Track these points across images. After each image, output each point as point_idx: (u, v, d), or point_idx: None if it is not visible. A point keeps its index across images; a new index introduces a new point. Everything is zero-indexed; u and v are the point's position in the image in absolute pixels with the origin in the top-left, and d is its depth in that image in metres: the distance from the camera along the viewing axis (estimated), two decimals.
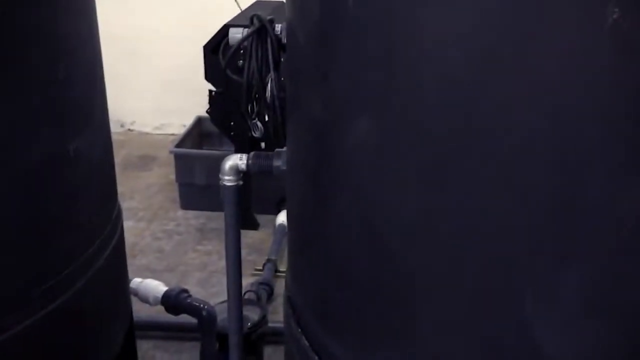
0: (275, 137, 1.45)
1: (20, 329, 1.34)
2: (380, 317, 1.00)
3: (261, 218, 3.49)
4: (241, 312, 1.69)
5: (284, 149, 1.37)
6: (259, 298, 2.51)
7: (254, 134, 1.90)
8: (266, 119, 1.49)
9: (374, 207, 0.96)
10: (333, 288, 1.11)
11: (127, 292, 1.99)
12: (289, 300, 1.37)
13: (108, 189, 1.77)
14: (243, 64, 1.49)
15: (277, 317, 2.43)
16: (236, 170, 1.43)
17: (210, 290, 2.89)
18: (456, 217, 0.85)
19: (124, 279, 1.92)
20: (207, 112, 3.21)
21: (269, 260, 2.96)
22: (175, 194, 3.77)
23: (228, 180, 1.43)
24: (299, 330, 1.26)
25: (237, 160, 1.42)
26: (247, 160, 1.42)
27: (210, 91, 3.17)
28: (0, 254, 1.30)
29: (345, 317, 1.09)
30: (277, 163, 1.39)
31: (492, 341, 0.86)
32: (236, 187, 1.46)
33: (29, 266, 1.37)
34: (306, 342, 1.22)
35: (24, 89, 1.31)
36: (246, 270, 2.76)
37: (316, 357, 1.18)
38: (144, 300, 2.23)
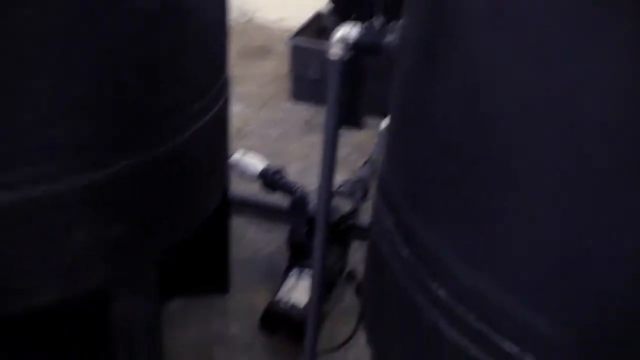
0: (393, 9, 1.36)
1: (122, 167, 1.41)
2: (474, 198, 0.94)
3: (369, 121, 3.44)
4: (331, 194, 1.68)
5: (398, 23, 1.29)
6: (352, 193, 2.50)
7: None
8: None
9: (486, 79, 0.88)
10: (429, 166, 1.06)
11: (226, 159, 2.04)
12: (381, 183, 1.34)
13: (218, 52, 1.78)
14: None
15: (369, 216, 2.42)
16: (345, 42, 1.36)
17: (308, 181, 2.91)
18: (572, 99, 0.76)
19: (224, 145, 1.96)
20: (330, 1, 3.14)
21: (369, 160, 2.93)
22: (287, 85, 3.79)
23: (335, 51, 1.37)
24: (386, 210, 1.23)
25: (347, 31, 1.36)
26: (359, 32, 1.35)
27: None
28: (110, 94, 1.35)
29: (437, 197, 1.04)
30: (389, 38, 1.32)
31: (580, 239, 0.79)
32: (342, 61, 1.40)
33: (136, 109, 1.42)
34: (392, 222, 1.19)
35: None
36: (345, 168, 2.76)
37: (399, 237, 1.15)
38: (243, 173, 2.28)
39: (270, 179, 2.23)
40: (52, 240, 1.37)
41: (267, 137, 3.37)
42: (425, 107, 1.07)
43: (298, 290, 2.11)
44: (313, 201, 2.17)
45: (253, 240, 2.64)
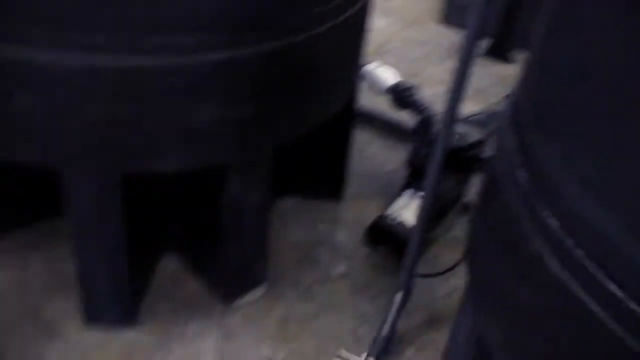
0: None
1: (256, 49, 1.44)
2: (605, 124, 0.85)
3: (517, 56, 3.23)
4: (454, 119, 1.61)
5: None
6: (485, 124, 2.37)
7: None
8: None
9: None
10: (562, 86, 0.97)
11: (357, 66, 2.01)
12: (511, 107, 1.25)
13: None
14: None
15: None
16: None
17: (440, 107, 2.82)
18: None
19: (357, 51, 1.92)
20: None
21: (510, 95, 2.76)
22: (438, 6, 3.63)
23: None
24: (511, 132, 1.16)
25: None
26: None
27: None
28: None
29: (566, 119, 0.95)
30: None
31: None
32: None
33: None
34: (514, 144, 1.12)
35: None
36: (485, 99, 2.63)
37: (519, 160, 1.07)
38: (373, 85, 2.23)
39: (400, 94, 2.16)
40: (182, 111, 1.44)
41: (407, 57, 3.27)
42: (569, 26, 0.97)
43: (408, 210, 2.08)
44: (439, 124, 2.09)
45: (375, 155, 2.62)
